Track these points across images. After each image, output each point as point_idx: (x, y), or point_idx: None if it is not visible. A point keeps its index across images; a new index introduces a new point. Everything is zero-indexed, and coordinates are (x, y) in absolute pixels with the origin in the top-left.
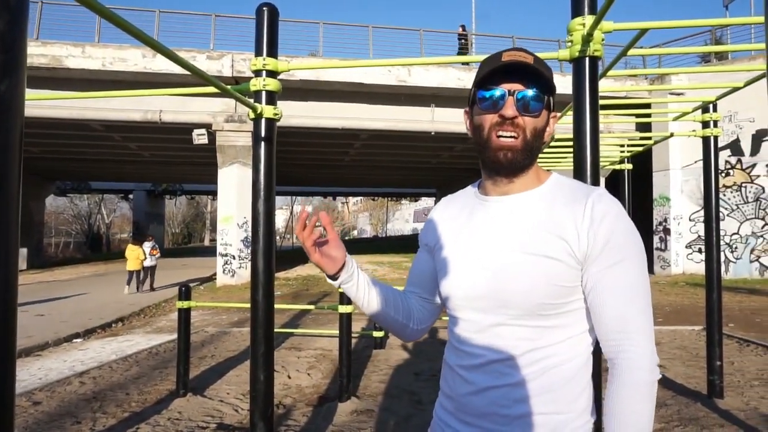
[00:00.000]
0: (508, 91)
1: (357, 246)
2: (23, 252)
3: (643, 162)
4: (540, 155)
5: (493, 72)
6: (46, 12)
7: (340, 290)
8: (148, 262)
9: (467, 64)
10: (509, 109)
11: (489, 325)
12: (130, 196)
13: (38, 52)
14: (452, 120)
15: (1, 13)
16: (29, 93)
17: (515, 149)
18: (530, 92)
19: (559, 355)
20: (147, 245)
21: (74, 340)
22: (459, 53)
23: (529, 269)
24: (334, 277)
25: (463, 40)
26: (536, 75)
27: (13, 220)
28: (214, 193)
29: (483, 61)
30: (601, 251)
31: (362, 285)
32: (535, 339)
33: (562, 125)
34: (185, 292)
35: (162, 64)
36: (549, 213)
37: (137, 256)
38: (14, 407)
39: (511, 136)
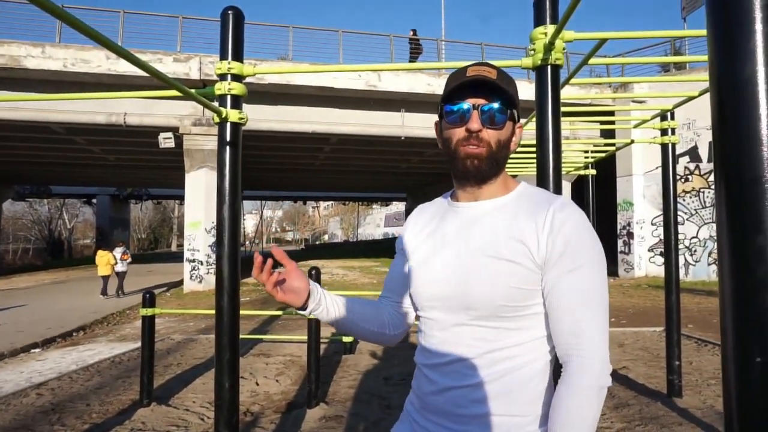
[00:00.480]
0: (473, 105)
1: (328, 250)
2: None
3: (607, 168)
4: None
5: (458, 87)
6: (2, 10)
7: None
8: (119, 267)
9: (438, 70)
10: (474, 123)
11: (451, 325)
12: (94, 200)
13: None
14: (422, 125)
15: None
16: None
17: (481, 157)
18: (494, 106)
19: (518, 358)
20: (118, 251)
21: (32, 351)
22: (411, 58)
23: (490, 271)
24: (302, 308)
25: (413, 45)
26: (499, 89)
27: None
28: (181, 198)
29: (450, 76)
30: (559, 257)
31: (331, 308)
32: (494, 340)
33: (527, 131)
34: (149, 298)
35: (127, 66)
36: (513, 219)
37: (107, 261)
38: None
39: (476, 148)
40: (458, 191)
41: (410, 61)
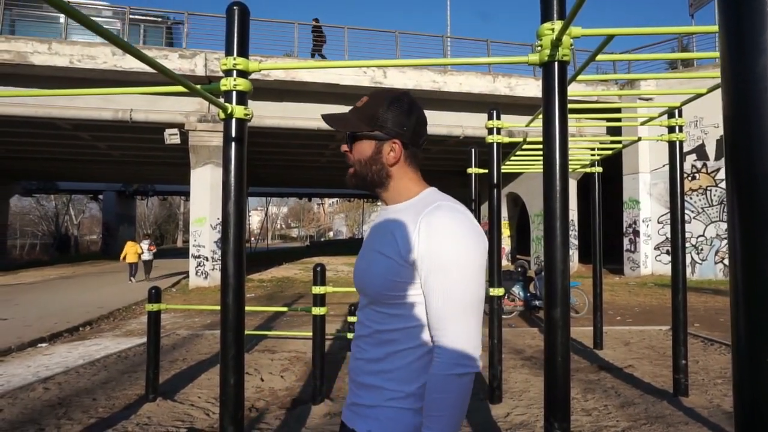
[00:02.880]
0: (347, 133)
1: (333, 247)
2: None
3: (613, 165)
4: (513, 158)
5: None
6: (11, 6)
7: (314, 291)
8: (145, 256)
9: (443, 66)
10: (343, 146)
11: (361, 306)
12: (100, 196)
13: (1, 48)
14: (428, 122)
15: None
16: None
17: (350, 174)
18: (349, 134)
19: (400, 342)
20: (145, 242)
21: (39, 345)
22: (313, 48)
23: (375, 264)
24: None
25: (316, 34)
26: (339, 120)
27: None
28: (186, 194)
29: None
30: (425, 258)
31: None
32: (380, 322)
33: (534, 128)
34: (155, 294)
35: (133, 63)
36: (398, 222)
37: (135, 251)
38: None
39: (349, 165)
40: None
41: (313, 51)
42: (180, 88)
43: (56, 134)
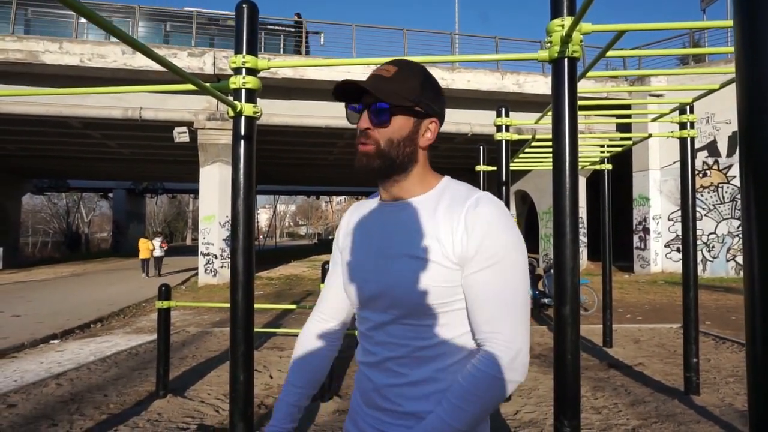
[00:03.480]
0: (365, 105)
1: None
2: None
3: (623, 162)
4: (521, 155)
5: (356, 88)
6: (21, 5)
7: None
8: (157, 253)
9: (452, 63)
10: (363, 122)
11: (382, 324)
12: (110, 194)
13: (13, 47)
14: None
15: None
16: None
17: (369, 156)
18: (379, 105)
19: (446, 356)
20: (157, 240)
21: (51, 342)
22: (295, 44)
23: (410, 271)
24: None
25: (296, 29)
26: (381, 88)
27: None
28: (195, 192)
29: None
30: (474, 255)
31: (298, 409)
32: (421, 338)
33: (543, 125)
34: (165, 291)
35: (142, 61)
36: (430, 217)
37: (147, 247)
38: None
39: (365, 146)
40: (381, 189)
41: (296, 47)
42: (190, 87)
43: (67, 133)
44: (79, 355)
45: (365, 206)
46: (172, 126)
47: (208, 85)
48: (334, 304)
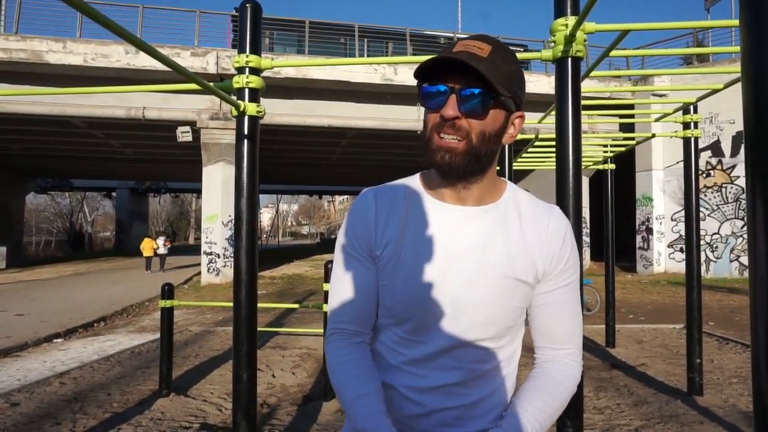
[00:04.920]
0: (451, 88)
1: None
2: (2, 251)
3: (626, 162)
4: (524, 155)
5: (438, 64)
6: (26, 6)
7: (325, 288)
8: (161, 251)
9: None
10: (450, 110)
11: (450, 347)
12: (113, 194)
13: (17, 47)
14: None
15: None
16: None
17: (455, 152)
18: (474, 91)
19: (505, 372)
20: (161, 239)
21: (54, 340)
22: (233, 39)
23: (502, 292)
24: None
25: (237, 24)
26: (488, 71)
27: None
28: (198, 191)
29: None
30: (560, 272)
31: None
32: (492, 360)
33: (546, 125)
34: (168, 290)
35: (145, 61)
36: (518, 231)
37: (151, 246)
38: None
39: (453, 138)
40: (442, 188)
41: (233, 43)
42: (193, 86)
43: (71, 132)
44: (82, 354)
45: (401, 198)
46: (175, 125)
47: (211, 84)
48: (361, 313)
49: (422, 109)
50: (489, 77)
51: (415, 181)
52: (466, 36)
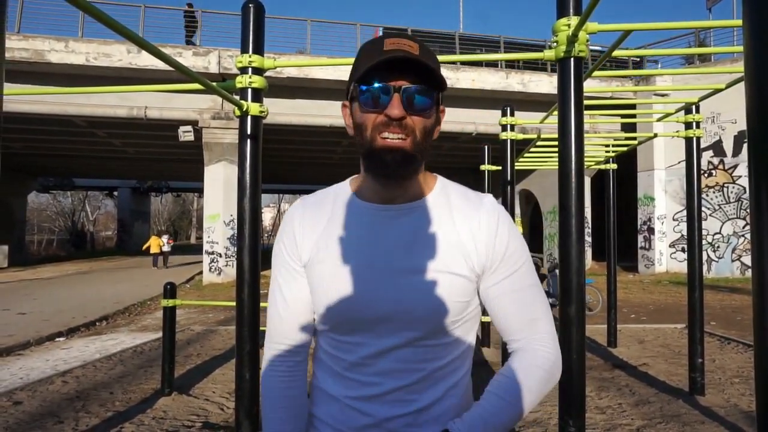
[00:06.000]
0: (394, 87)
1: None
2: (4, 249)
3: (628, 162)
4: (526, 155)
5: (377, 65)
6: (28, 5)
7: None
8: (165, 248)
9: (455, 63)
10: (395, 109)
11: (389, 349)
12: (115, 193)
13: (19, 46)
14: None
15: None
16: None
17: (404, 150)
18: (419, 88)
19: (457, 371)
20: (164, 237)
21: (57, 339)
22: (186, 35)
23: (435, 286)
24: None
25: (188, 19)
26: (426, 68)
27: None
28: (200, 191)
29: (362, 50)
30: (500, 262)
31: None
32: (437, 359)
33: (547, 125)
34: (170, 290)
35: (147, 60)
36: (448, 224)
37: (158, 243)
38: None
39: (398, 138)
40: (371, 187)
41: (186, 38)
42: (196, 86)
43: (72, 131)
44: (84, 353)
45: (329, 205)
46: (177, 125)
47: (214, 84)
48: (299, 324)
49: None
50: (438, 70)
51: (344, 186)
52: (390, 34)
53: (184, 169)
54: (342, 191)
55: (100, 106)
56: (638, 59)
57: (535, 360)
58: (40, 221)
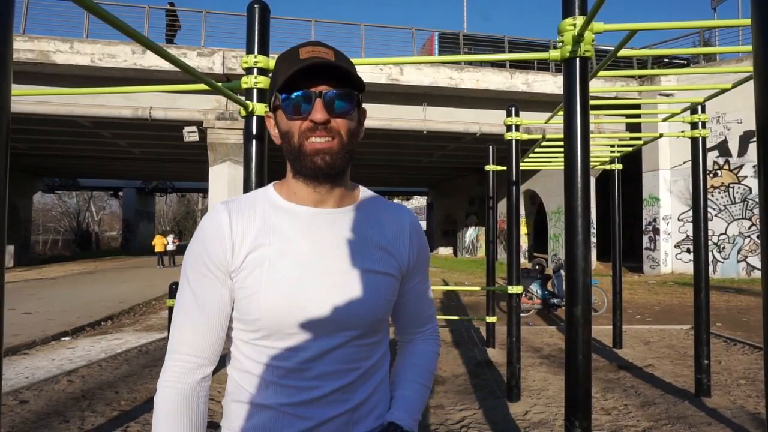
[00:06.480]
0: (315, 93)
1: None
2: (10, 249)
3: (632, 162)
4: (531, 155)
5: (296, 73)
6: (33, 6)
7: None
8: (170, 247)
9: (460, 63)
10: (319, 113)
11: (328, 350)
12: (120, 193)
13: (25, 47)
14: (445, 119)
15: None
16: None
17: (333, 151)
18: (339, 92)
19: (383, 366)
20: (170, 236)
21: (62, 339)
22: (167, 35)
23: (370, 286)
24: None
25: (170, 19)
26: (344, 72)
27: (1, 217)
28: (205, 191)
29: (279, 59)
30: (418, 266)
31: None
32: (370, 356)
33: (556, 125)
34: (175, 290)
35: (152, 61)
36: (379, 228)
37: (162, 242)
38: (1, 406)
39: (325, 140)
40: (302, 193)
41: (167, 38)
42: (201, 86)
43: (78, 132)
44: (90, 352)
45: (257, 209)
46: (182, 125)
47: (220, 84)
48: (214, 336)
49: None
50: (355, 72)
51: (268, 191)
52: (305, 42)
53: (189, 170)
54: (269, 196)
55: (106, 106)
56: (643, 59)
57: (435, 348)
58: (46, 221)
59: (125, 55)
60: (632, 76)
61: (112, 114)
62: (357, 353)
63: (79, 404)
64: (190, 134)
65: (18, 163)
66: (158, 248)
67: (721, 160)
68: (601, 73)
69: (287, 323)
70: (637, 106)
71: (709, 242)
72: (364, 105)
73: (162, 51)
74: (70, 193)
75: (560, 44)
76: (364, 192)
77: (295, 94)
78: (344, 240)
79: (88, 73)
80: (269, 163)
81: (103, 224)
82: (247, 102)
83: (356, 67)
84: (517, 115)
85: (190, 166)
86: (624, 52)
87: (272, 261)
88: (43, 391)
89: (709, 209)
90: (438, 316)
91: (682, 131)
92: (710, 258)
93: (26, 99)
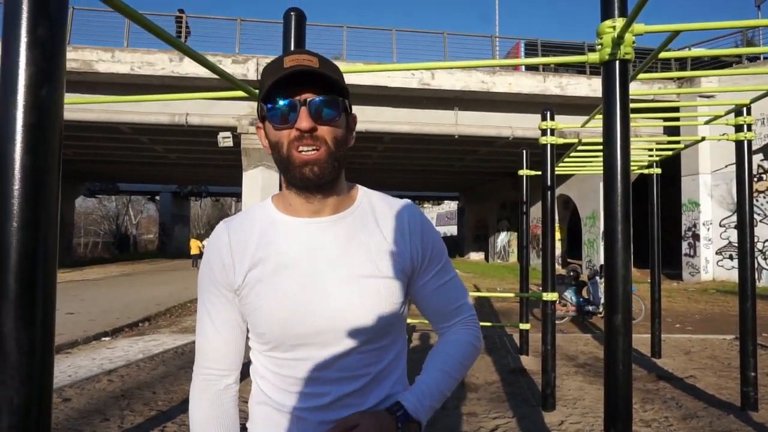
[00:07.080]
0: (299, 101)
1: None
2: None
3: (671, 166)
4: (567, 159)
5: (279, 82)
6: (77, 17)
7: None
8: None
9: (493, 67)
10: (304, 121)
11: (334, 358)
12: (157, 197)
13: (70, 57)
14: (476, 123)
15: (41, 20)
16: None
17: (321, 162)
18: (324, 98)
19: (397, 368)
20: (206, 241)
21: (102, 339)
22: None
23: (373, 293)
24: None
25: (179, 25)
26: (328, 79)
27: (53, 221)
28: (238, 195)
29: (264, 70)
30: (429, 262)
31: None
32: (379, 361)
33: (590, 129)
34: None
35: (189, 68)
36: (376, 230)
37: (198, 245)
38: (51, 402)
39: (312, 149)
40: (297, 205)
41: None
42: (236, 92)
43: (118, 138)
44: (128, 353)
45: (256, 224)
46: (217, 131)
47: (256, 91)
48: (229, 348)
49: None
50: (340, 79)
51: (267, 205)
52: (291, 51)
53: (223, 174)
54: (266, 210)
55: (144, 113)
56: (682, 60)
57: (467, 337)
58: (87, 225)
59: (163, 62)
60: (671, 78)
61: (151, 120)
62: (365, 359)
63: (119, 403)
64: (225, 140)
65: (63, 168)
66: (194, 251)
67: (766, 164)
68: (640, 75)
69: (290, 336)
70: (676, 109)
71: (755, 249)
72: (401, 109)
73: (201, 59)
74: (109, 197)
75: (599, 47)
76: (361, 193)
77: (279, 103)
78: (343, 247)
79: (127, 80)
80: None
81: (141, 227)
82: None
83: (389, 72)
84: (552, 119)
85: (224, 170)
86: (663, 53)
87: (271, 276)
88: (84, 389)
89: (754, 214)
90: None
91: (724, 134)
92: (756, 265)
93: (70, 107)
